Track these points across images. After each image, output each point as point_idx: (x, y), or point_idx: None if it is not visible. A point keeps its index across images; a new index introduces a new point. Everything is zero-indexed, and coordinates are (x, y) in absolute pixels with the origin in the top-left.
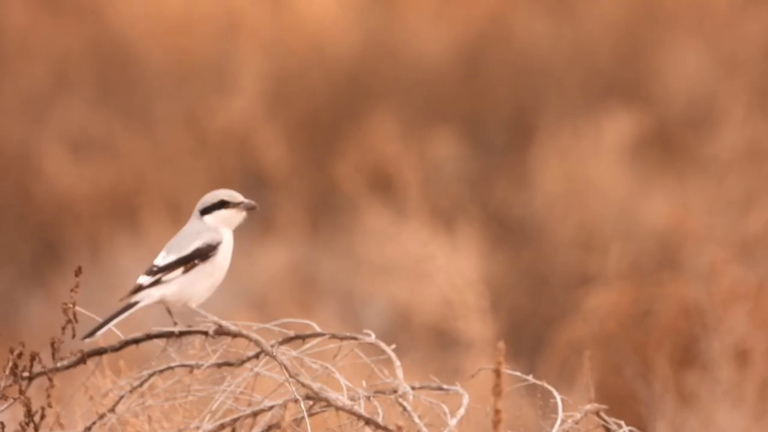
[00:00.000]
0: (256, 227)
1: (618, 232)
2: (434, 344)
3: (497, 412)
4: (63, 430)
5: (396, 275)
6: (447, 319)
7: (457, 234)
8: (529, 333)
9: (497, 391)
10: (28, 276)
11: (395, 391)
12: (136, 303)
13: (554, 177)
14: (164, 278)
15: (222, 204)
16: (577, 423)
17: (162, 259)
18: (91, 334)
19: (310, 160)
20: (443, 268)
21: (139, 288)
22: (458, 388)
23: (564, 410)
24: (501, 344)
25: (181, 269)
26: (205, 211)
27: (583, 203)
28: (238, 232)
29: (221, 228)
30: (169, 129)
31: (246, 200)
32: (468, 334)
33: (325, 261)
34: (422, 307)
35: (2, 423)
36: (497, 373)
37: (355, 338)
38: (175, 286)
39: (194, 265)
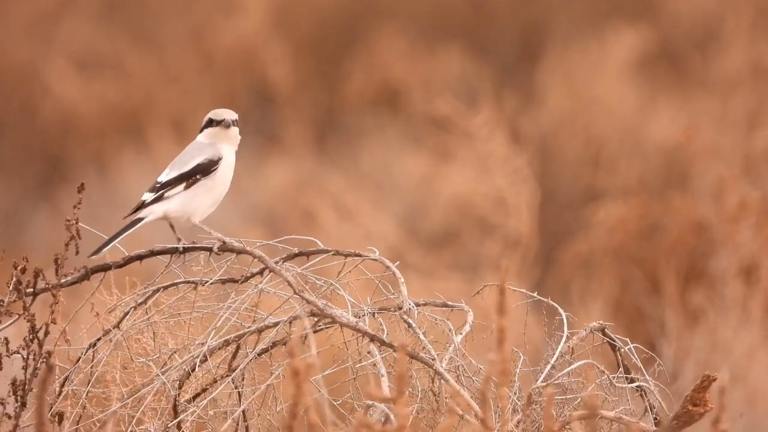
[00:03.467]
0: (262, 144)
1: (625, 149)
2: (440, 260)
3: (501, 330)
4: (68, 346)
5: (403, 189)
6: (453, 234)
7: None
8: (537, 250)
9: (501, 310)
10: (33, 193)
11: (400, 308)
12: (140, 219)
13: (561, 94)
14: (167, 194)
15: (210, 122)
16: (582, 340)
17: (165, 176)
18: (98, 251)
19: (317, 77)
20: (453, 181)
21: (143, 205)
22: (463, 305)
23: (570, 327)
24: (505, 263)
25: (183, 185)
26: (201, 129)
27: (590, 121)
28: (244, 149)
29: (221, 145)
30: (175, 47)
31: (227, 118)
32: (476, 248)
33: (331, 177)
34: (428, 222)
35: (6, 339)
36: (501, 291)
37: (359, 255)
38: (176, 201)
39: (196, 181)
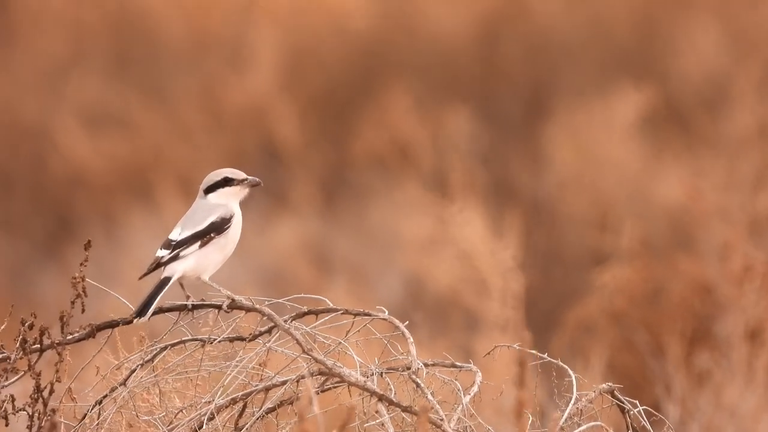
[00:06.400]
0: (270, 203)
1: (630, 209)
2: (448, 321)
3: (520, 403)
4: (74, 403)
5: (409, 251)
6: (461, 296)
7: (470, 211)
8: (542, 311)
9: (521, 383)
10: (41, 250)
11: (408, 368)
12: (168, 278)
13: (568, 154)
14: (182, 253)
15: (226, 182)
16: (591, 402)
17: (178, 235)
18: (141, 313)
19: (325, 135)
20: (457, 245)
21: (159, 261)
22: (471, 365)
23: (578, 389)
24: (526, 334)
25: (197, 243)
26: (209, 189)
27: (596, 181)
28: (252, 208)
29: (230, 203)
30: (184, 104)
31: (250, 177)
32: (482, 311)
33: (338, 237)
34: (436, 283)
35: (12, 396)
36: (521, 364)
37: (368, 314)
38: (192, 260)
39: (210, 239)
